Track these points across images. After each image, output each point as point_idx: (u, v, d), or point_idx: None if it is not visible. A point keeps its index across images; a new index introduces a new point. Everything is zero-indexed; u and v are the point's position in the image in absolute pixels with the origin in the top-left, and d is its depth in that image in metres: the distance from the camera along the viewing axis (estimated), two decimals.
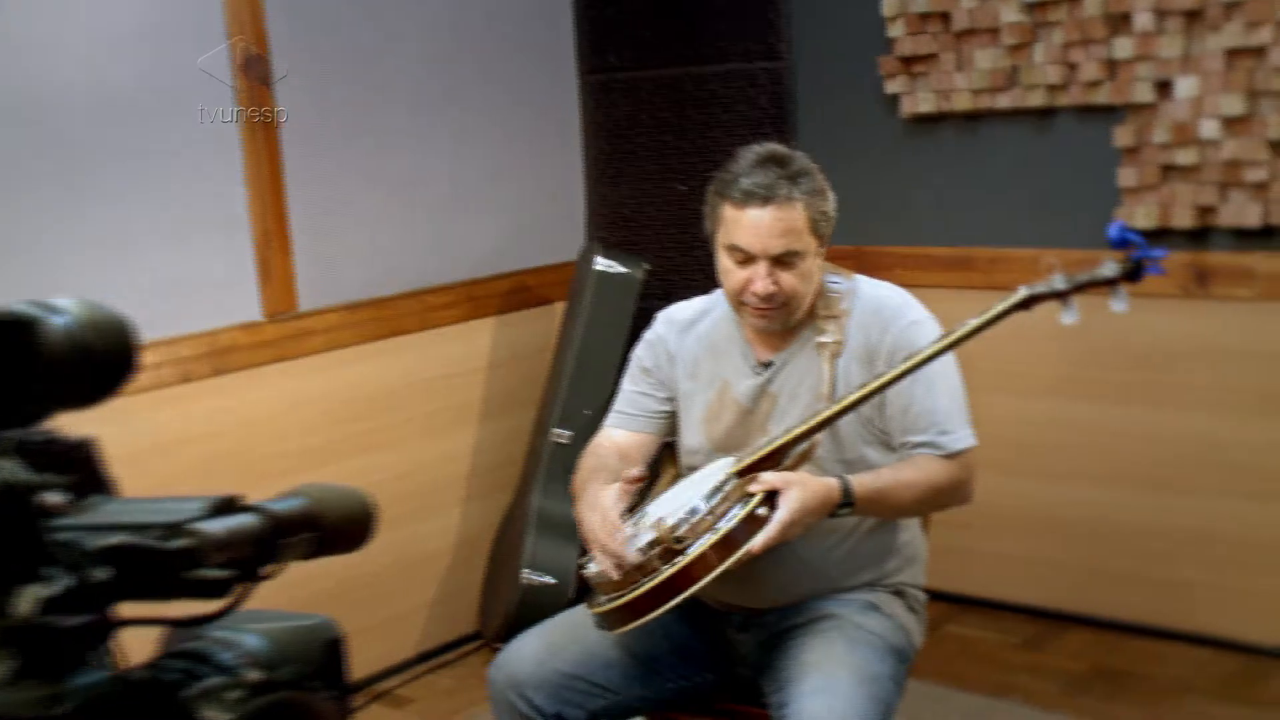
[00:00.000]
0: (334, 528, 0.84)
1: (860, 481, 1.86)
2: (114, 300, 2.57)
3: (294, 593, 2.59)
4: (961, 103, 3.10)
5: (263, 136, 2.82)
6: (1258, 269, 2.82)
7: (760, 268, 1.90)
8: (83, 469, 0.81)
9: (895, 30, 3.16)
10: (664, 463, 2.18)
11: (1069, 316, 1.81)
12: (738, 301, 1.96)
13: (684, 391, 2.08)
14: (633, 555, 1.79)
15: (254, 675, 0.80)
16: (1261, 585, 2.89)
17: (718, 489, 1.81)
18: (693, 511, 1.79)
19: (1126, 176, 2.91)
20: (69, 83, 2.51)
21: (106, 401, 0.85)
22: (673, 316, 2.14)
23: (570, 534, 2.94)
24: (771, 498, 1.79)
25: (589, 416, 3.05)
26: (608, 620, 1.85)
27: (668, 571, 1.76)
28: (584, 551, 1.92)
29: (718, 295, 2.07)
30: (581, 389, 3.17)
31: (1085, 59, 2.91)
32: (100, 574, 0.72)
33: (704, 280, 2.11)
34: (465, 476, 3.31)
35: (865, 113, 3.28)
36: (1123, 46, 2.86)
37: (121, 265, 2.61)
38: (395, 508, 3.08)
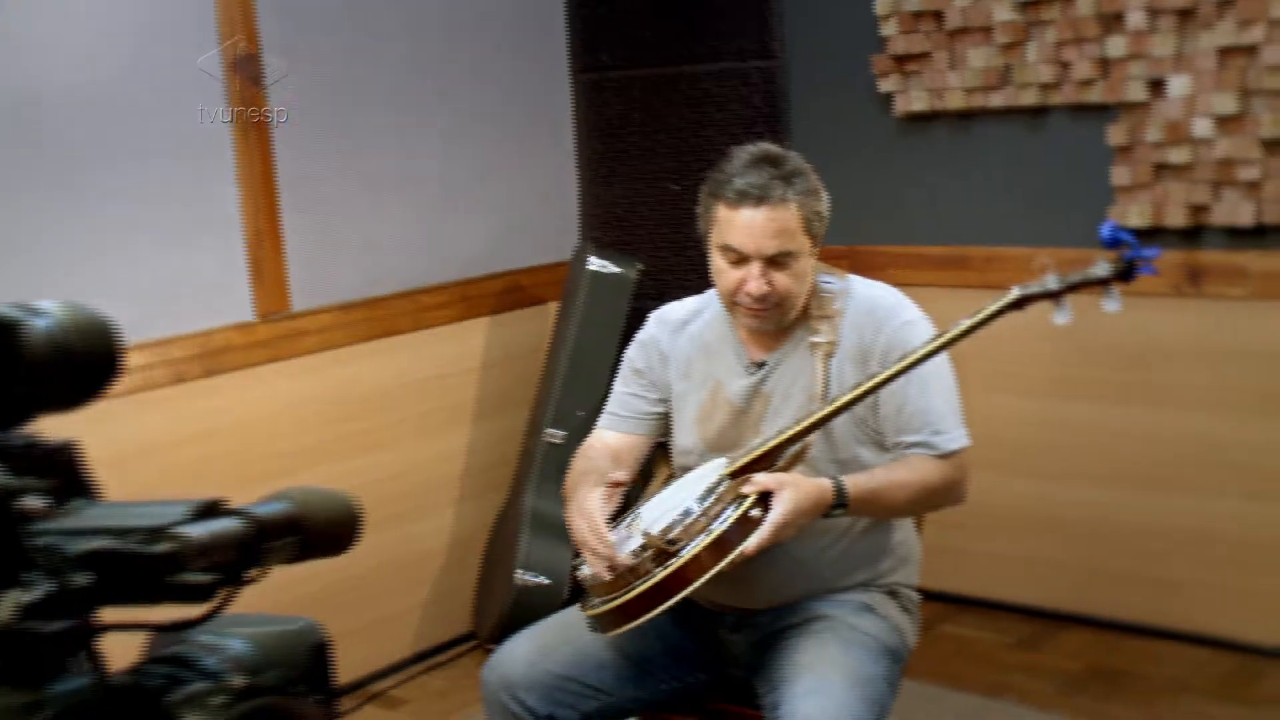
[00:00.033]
0: (318, 531, 0.83)
1: (854, 482, 1.85)
2: (106, 300, 2.56)
3: (287, 594, 2.59)
4: (955, 101, 3.10)
5: (255, 136, 2.81)
6: (1251, 268, 2.81)
7: (754, 268, 1.90)
8: (64, 473, 0.80)
9: (888, 29, 3.16)
10: (657, 463, 2.18)
11: (1062, 317, 1.81)
12: (731, 302, 1.95)
13: (677, 392, 2.07)
14: (623, 557, 1.79)
15: (238, 680, 0.79)
16: (1258, 585, 2.89)
17: (711, 490, 1.80)
18: (686, 513, 1.78)
19: (1119, 175, 2.91)
20: (60, 83, 2.50)
21: (89, 404, 0.84)
22: (665, 316, 2.13)
23: (564, 534, 2.92)
24: (765, 499, 1.78)
25: (582, 417, 3.05)
26: (601, 623, 1.84)
27: (661, 574, 1.76)
28: (578, 553, 1.91)
29: (710, 295, 2.07)
30: (575, 389, 3.17)
31: (1078, 58, 2.91)
32: (81, 579, 0.72)
33: (698, 280, 2.10)
34: (459, 477, 3.30)
35: (858, 111, 3.27)
36: (1115, 45, 2.86)
37: (113, 265, 2.60)
38: (389, 508, 3.08)
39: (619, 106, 3.44)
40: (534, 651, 1.97)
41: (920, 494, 1.93)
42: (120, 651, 0.84)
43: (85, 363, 0.83)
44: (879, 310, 1.97)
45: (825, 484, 1.83)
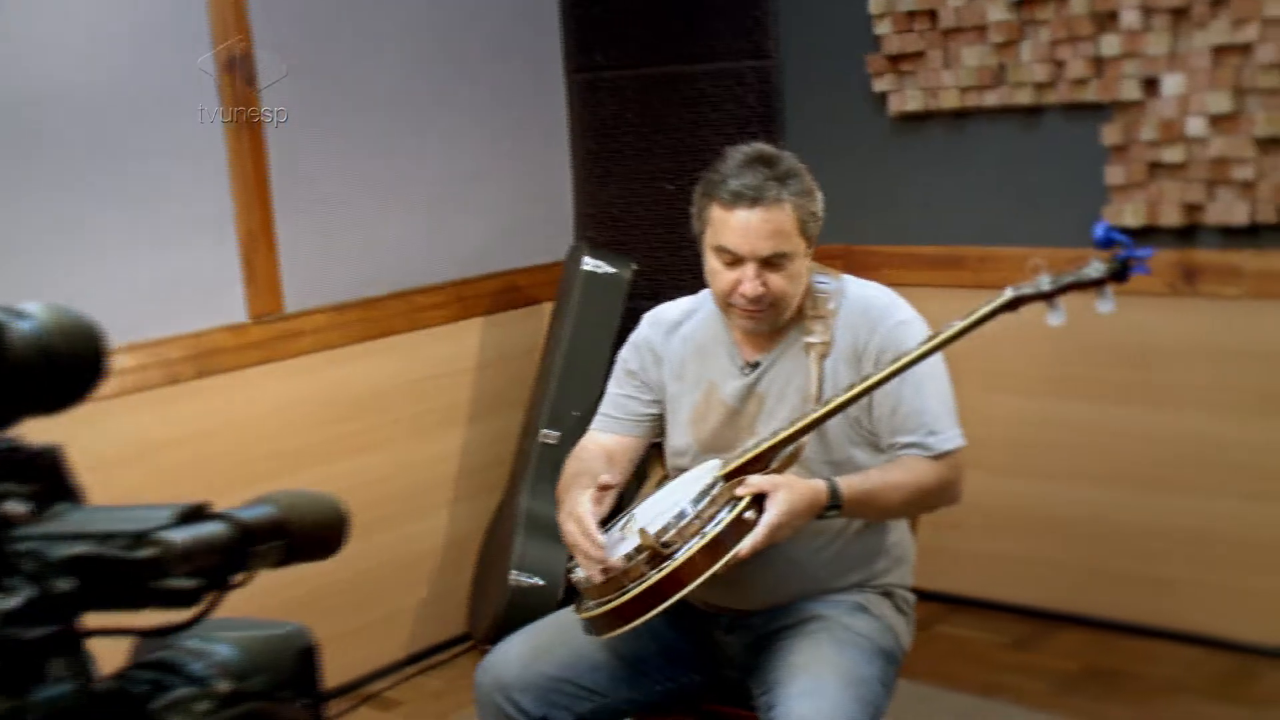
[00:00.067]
0: (305, 535, 0.83)
1: (848, 483, 1.85)
2: (99, 301, 2.54)
3: (282, 595, 2.58)
4: (949, 101, 3.10)
5: (248, 137, 2.80)
6: (1245, 267, 2.81)
7: (749, 269, 1.89)
8: (47, 477, 0.80)
9: (882, 28, 3.16)
10: (651, 464, 2.17)
11: (1055, 318, 1.81)
12: (726, 303, 1.95)
13: (671, 393, 2.07)
14: (615, 560, 1.78)
15: (224, 686, 0.78)
16: (1255, 584, 2.88)
17: (705, 492, 1.80)
18: (680, 515, 1.78)
19: (1114, 174, 2.90)
20: (51, 84, 2.50)
21: (73, 408, 0.84)
22: (659, 317, 2.13)
23: (559, 535, 2.92)
24: (759, 501, 1.78)
25: (577, 417, 3.04)
26: (596, 625, 1.84)
27: (655, 576, 1.75)
28: (572, 555, 1.91)
29: (704, 295, 2.07)
30: (570, 389, 3.17)
31: (1072, 57, 2.91)
32: (64, 584, 0.71)
33: (692, 280, 2.10)
34: (454, 477, 3.30)
35: (853, 111, 3.27)
36: (1110, 44, 2.85)
37: (106, 266, 2.60)
38: (384, 509, 3.07)
39: (613, 106, 3.44)
40: (528, 653, 1.96)
41: (915, 495, 1.92)
42: (108, 657, 0.83)
43: (69, 365, 0.82)
44: (873, 310, 1.97)
45: (820, 485, 1.82)
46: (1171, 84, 2.79)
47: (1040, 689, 2.86)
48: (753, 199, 1.87)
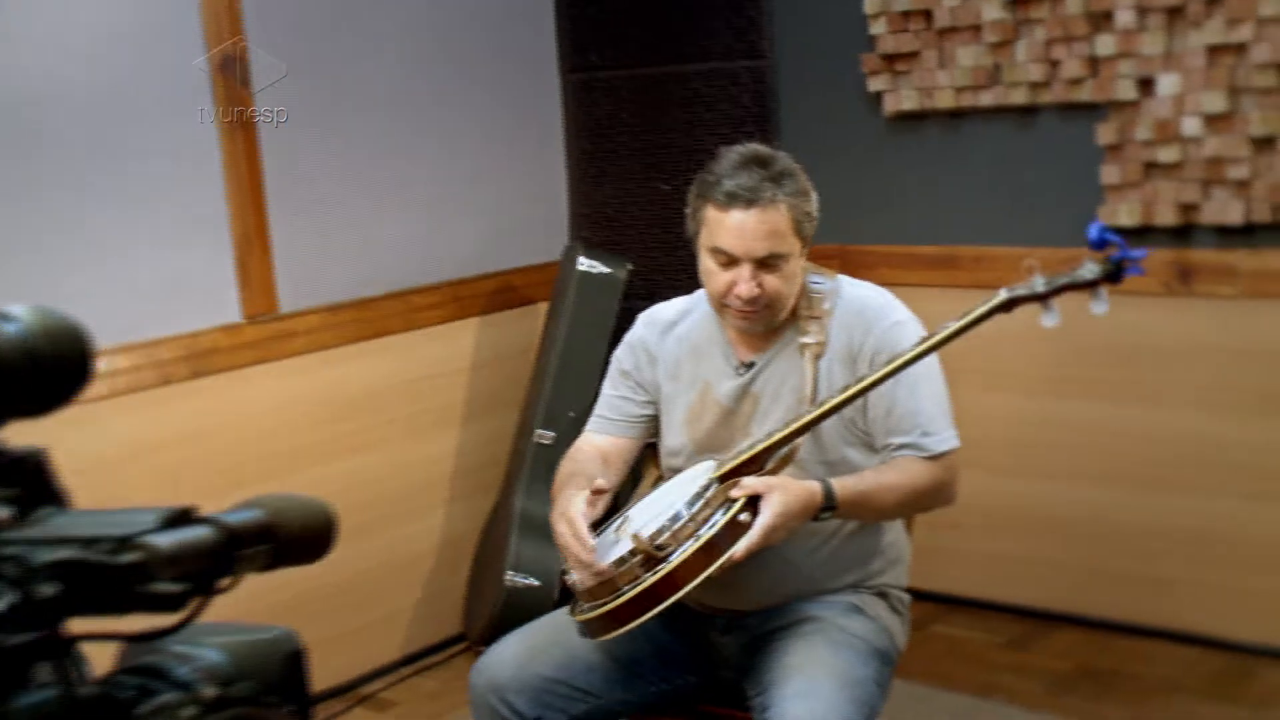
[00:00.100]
0: (292, 539, 0.82)
1: (842, 485, 1.85)
2: (93, 302, 2.53)
3: (276, 595, 2.58)
4: (944, 100, 3.10)
5: (241, 137, 2.79)
6: (1240, 266, 2.81)
7: (744, 270, 1.89)
8: (31, 481, 0.79)
9: (877, 28, 3.15)
10: (646, 465, 2.17)
11: (1049, 319, 1.80)
12: (720, 304, 1.95)
13: (665, 393, 2.07)
14: (606, 564, 1.78)
15: (209, 691, 0.78)
16: (1251, 584, 2.88)
17: (700, 494, 1.79)
18: (675, 518, 1.77)
19: (1109, 174, 2.90)
20: (45, 85, 2.49)
21: (59, 410, 0.83)
22: (653, 318, 2.13)
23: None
24: (754, 503, 1.78)
25: (572, 417, 3.04)
26: (590, 628, 1.83)
27: (650, 579, 1.75)
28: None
29: (699, 295, 2.06)
30: (565, 390, 3.16)
31: (1067, 56, 2.91)
32: (47, 589, 0.71)
33: (688, 280, 2.09)
34: (449, 478, 3.29)
35: (848, 111, 3.26)
36: (1105, 44, 2.85)
37: (100, 266, 2.59)
38: (379, 510, 3.07)
39: (608, 106, 3.44)
40: (523, 654, 1.96)
41: (909, 496, 1.92)
42: (95, 662, 0.82)
43: (55, 368, 0.82)
44: (868, 311, 1.97)
45: (814, 487, 1.82)
46: (1166, 84, 2.79)
47: (1036, 689, 2.86)
48: (748, 200, 1.87)
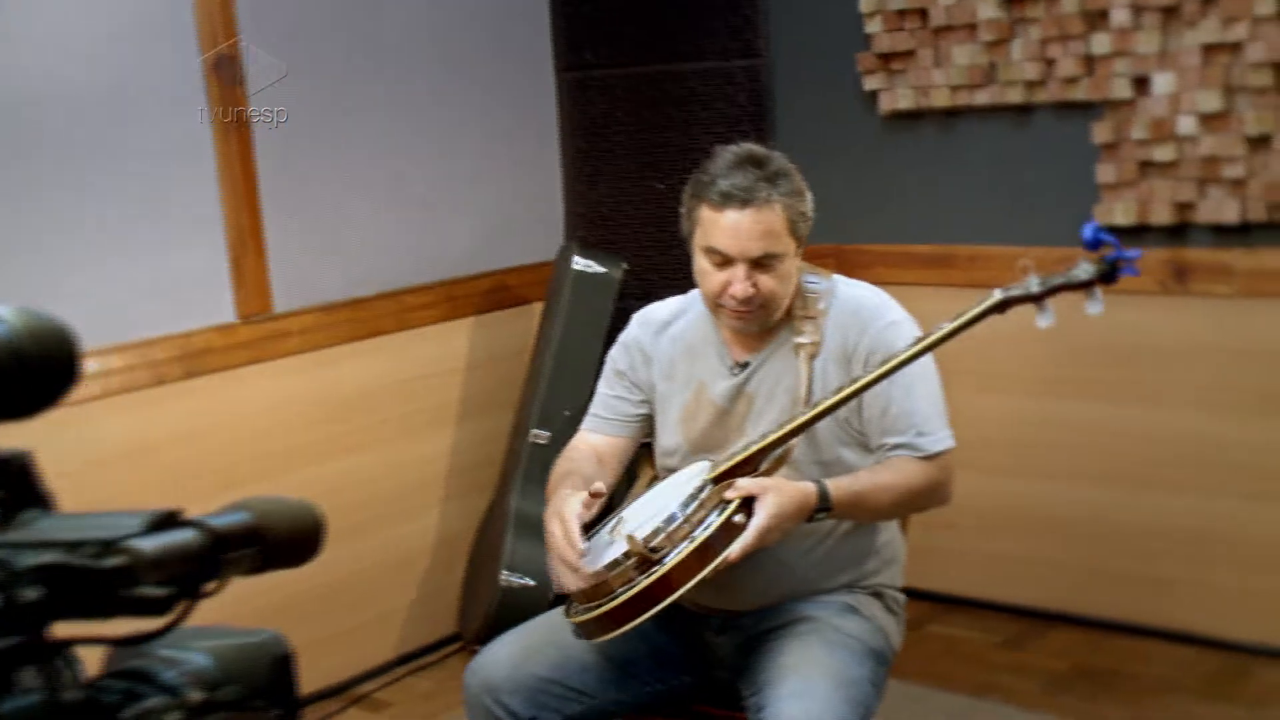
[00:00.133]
0: (280, 542, 0.81)
1: (837, 485, 1.84)
2: (86, 302, 2.52)
3: (270, 595, 2.57)
4: (940, 99, 3.09)
5: (235, 137, 2.79)
6: (1236, 265, 2.81)
7: (739, 270, 1.88)
8: (15, 484, 0.78)
9: (873, 27, 3.15)
10: (641, 464, 2.16)
11: (1044, 320, 1.80)
12: (715, 304, 1.94)
13: (660, 393, 2.06)
14: (596, 570, 1.77)
15: (195, 695, 0.77)
16: (1249, 584, 2.88)
17: (694, 496, 1.79)
18: (669, 519, 1.77)
19: (1105, 173, 2.90)
20: (40, 84, 2.48)
21: (45, 412, 0.83)
22: (648, 317, 2.12)
23: None
24: (748, 504, 1.77)
25: (568, 417, 3.03)
26: (585, 629, 1.83)
27: (645, 581, 1.74)
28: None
29: (694, 295, 2.06)
30: (560, 389, 3.15)
31: (1063, 55, 2.91)
32: (31, 594, 0.70)
33: (683, 279, 2.09)
34: (443, 478, 3.29)
35: (844, 110, 3.26)
36: (1100, 42, 2.85)
37: (94, 266, 2.58)
38: (373, 510, 3.06)
39: (603, 105, 3.43)
40: (517, 654, 1.95)
41: (904, 496, 1.92)
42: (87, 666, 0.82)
43: (41, 370, 0.81)
44: (863, 311, 1.96)
45: (809, 488, 1.82)
46: (1162, 83, 2.79)
47: (1032, 689, 2.86)
48: (743, 200, 1.87)
